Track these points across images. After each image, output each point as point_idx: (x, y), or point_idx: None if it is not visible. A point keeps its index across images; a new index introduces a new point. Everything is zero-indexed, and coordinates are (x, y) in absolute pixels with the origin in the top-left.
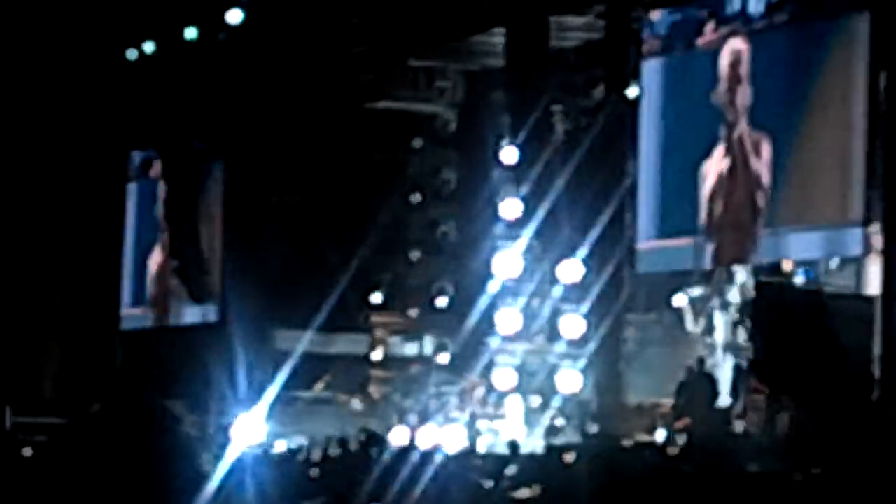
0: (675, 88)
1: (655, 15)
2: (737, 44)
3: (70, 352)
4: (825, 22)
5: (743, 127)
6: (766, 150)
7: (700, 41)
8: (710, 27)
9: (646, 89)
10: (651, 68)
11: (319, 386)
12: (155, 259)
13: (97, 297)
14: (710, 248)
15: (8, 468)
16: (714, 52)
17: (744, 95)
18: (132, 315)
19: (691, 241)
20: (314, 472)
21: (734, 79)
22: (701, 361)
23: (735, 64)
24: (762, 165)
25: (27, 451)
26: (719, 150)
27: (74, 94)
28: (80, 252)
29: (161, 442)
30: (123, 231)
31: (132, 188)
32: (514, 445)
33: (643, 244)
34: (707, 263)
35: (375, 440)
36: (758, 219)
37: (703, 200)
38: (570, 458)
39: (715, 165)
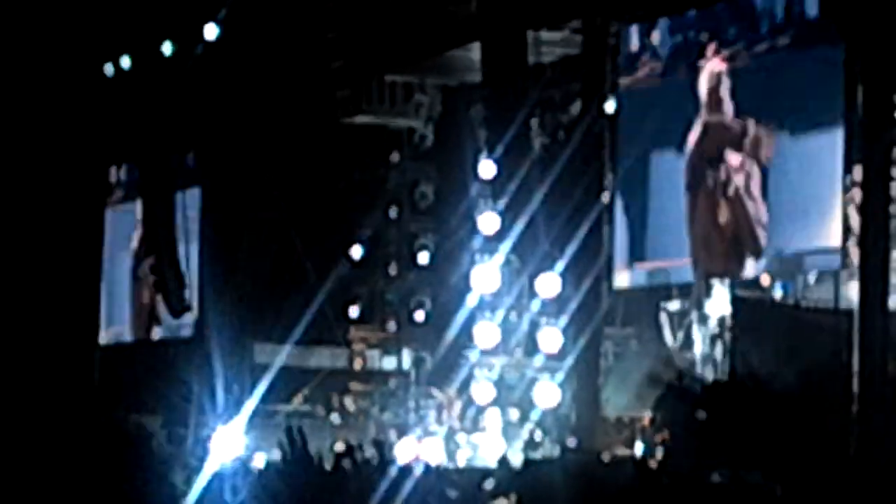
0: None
1: (656, 38)
2: (715, 66)
3: (48, 370)
4: (830, 47)
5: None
6: (756, 175)
7: (702, 63)
8: (711, 49)
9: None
10: (651, 91)
11: (298, 399)
12: (131, 274)
13: (75, 312)
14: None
15: None
16: (718, 75)
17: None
18: (110, 330)
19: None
20: (292, 484)
21: (716, 102)
22: (680, 375)
23: (715, 88)
24: (750, 189)
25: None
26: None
27: (50, 109)
28: (58, 268)
29: (133, 459)
30: (102, 247)
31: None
32: (502, 460)
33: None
34: (692, 277)
35: (351, 452)
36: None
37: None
38: (547, 470)
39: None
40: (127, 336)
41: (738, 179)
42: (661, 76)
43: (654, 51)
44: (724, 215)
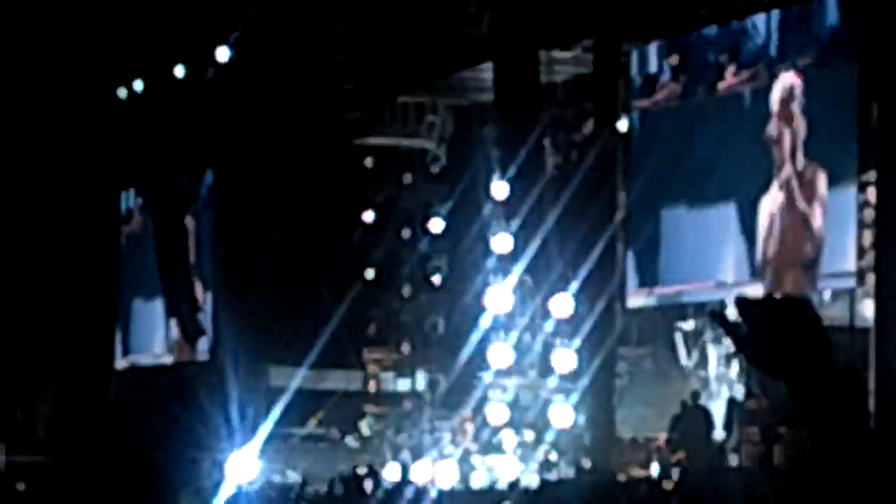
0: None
1: (674, 60)
2: (788, 79)
3: (64, 392)
4: (850, 64)
5: (796, 164)
6: (822, 185)
7: (721, 85)
8: (730, 71)
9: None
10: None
11: (313, 422)
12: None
13: (92, 337)
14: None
15: None
16: (738, 96)
17: (797, 131)
18: (141, 353)
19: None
20: None
21: (786, 115)
22: (695, 395)
23: (787, 100)
24: (814, 205)
25: (21, 486)
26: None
27: (65, 133)
28: (75, 293)
29: (143, 481)
30: (117, 271)
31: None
32: (513, 484)
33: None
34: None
35: (370, 476)
36: (809, 261)
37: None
38: (563, 491)
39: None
40: (143, 360)
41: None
42: (680, 98)
43: (672, 72)
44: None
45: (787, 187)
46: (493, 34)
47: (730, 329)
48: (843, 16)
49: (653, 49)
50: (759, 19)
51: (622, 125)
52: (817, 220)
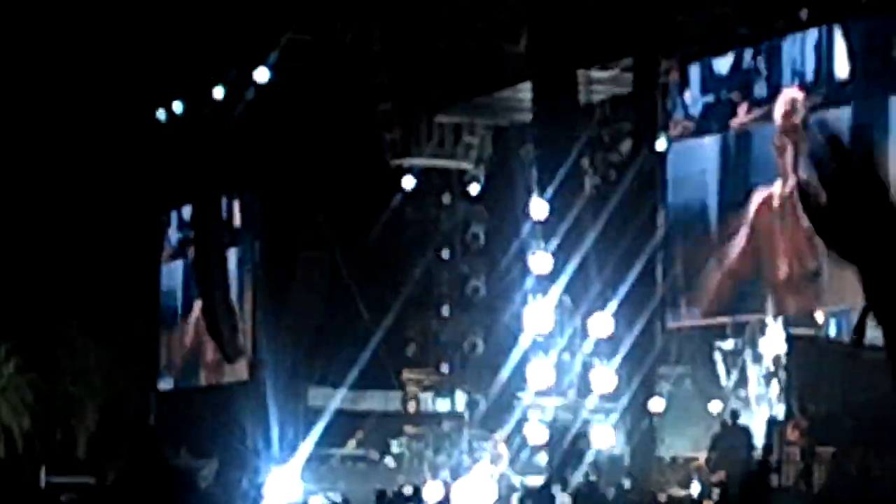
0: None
1: (688, 97)
2: (791, 93)
3: (105, 412)
4: (865, 101)
5: (801, 175)
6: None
7: (734, 122)
8: (743, 109)
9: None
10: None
11: (352, 443)
12: (189, 320)
13: (133, 357)
14: (772, 305)
15: None
16: (747, 134)
17: (799, 141)
18: (166, 374)
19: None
20: None
21: (788, 127)
22: (734, 414)
23: (789, 112)
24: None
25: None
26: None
27: (105, 155)
28: (116, 312)
29: (181, 499)
30: (158, 292)
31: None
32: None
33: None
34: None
35: (414, 496)
36: (819, 277)
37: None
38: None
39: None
40: (182, 380)
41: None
42: (693, 134)
43: (686, 110)
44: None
45: (790, 200)
46: (531, 54)
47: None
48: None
49: (671, 84)
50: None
51: (660, 144)
52: None
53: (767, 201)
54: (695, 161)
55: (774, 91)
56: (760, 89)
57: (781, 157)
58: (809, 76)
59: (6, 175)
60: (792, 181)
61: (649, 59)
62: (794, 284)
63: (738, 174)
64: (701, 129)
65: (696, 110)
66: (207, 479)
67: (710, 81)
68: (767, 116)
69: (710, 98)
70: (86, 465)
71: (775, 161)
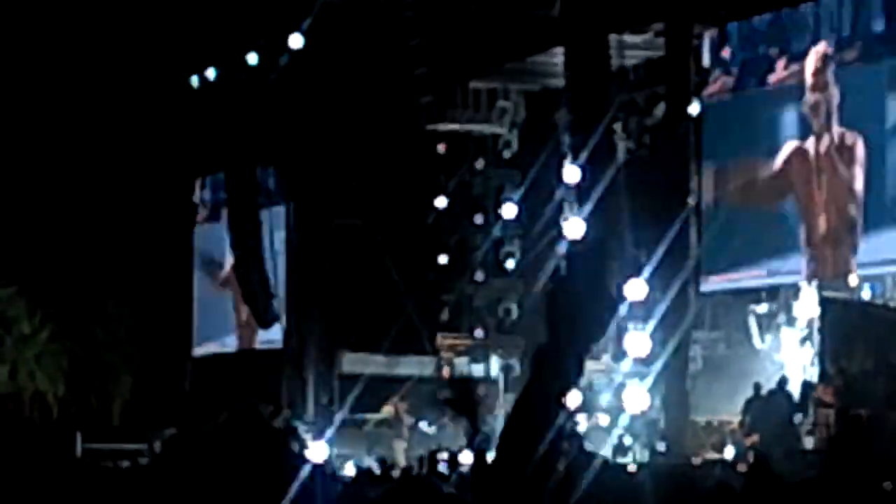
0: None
1: (726, 53)
2: (821, 48)
3: (140, 379)
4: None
5: (833, 132)
6: (860, 150)
7: (772, 79)
8: (780, 65)
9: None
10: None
11: (387, 408)
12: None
13: (168, 324)
14: (807, 265)
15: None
16: (787, 88)
17: (832, 98)
18: (210, 342)
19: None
20: (384, 493)
21: (821, 84)
22: (769, 378)
23: (821, 69)
24: (855, 169)
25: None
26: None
27: (139, 123)
28: (151, 280)
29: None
30: (191, 259)
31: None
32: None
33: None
34: (804, 278)
35: (446, 460)
36: (855, 228)
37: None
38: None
39: (801, 183)
40: (229, 347)
41: (838, 181)
42: (732, 91)
43: (725, 66)
44: (824, 221)
45: (827, 155)
46: (564, 18)
47: None
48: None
49: (706, 42)
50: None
51: (694, 109)
52: (859, 184)
53: (800, 154)
54: (729, 119)
55: (811, 46)
56: (799, 44)
57: (815, 115)
58: (846, 30)
59: (41, 144)
60: (826, 139)
61: (682, 23)
62: (833, 240)
63: (770, 130)
64: (739, 85)
65: (734, 66)
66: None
67: (748, 37)
68: (803, 72)
69: (748, 54)
70: (122, 431)
71: (809, 118)
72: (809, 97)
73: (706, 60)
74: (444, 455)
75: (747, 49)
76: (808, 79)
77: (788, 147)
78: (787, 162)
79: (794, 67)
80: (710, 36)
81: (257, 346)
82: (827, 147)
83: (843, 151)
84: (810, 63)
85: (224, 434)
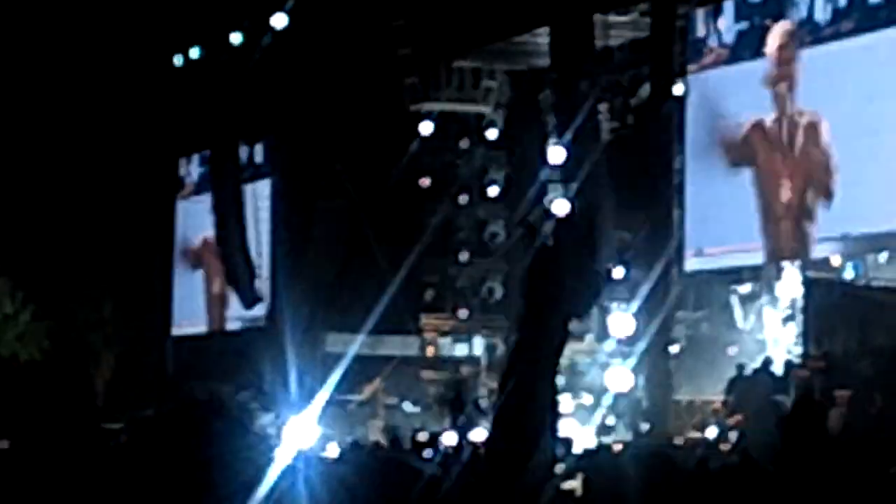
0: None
1: (721, 24)
2: (785, 25)
3: (123, 360)
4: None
5: (796, 108)
6: (825, 129)
7: (767, 50)
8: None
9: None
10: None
11: (370, 388)
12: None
13: (148, 304)
14: (766, 245)
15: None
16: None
17: (795, 74)
18: (184, 321)
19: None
20: (363, 473)
21: (784, 59)
22: (752, 358)
23: (784, 45)
24: (820, 148)
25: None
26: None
27: (121, 101)
28: (131, 260)
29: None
30: (173, 238)
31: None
32: (567, 443)
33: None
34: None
35: (429, 441)
36: (817, 206)
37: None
38: (619, 450)
39: (765, 158)
40: (201, 327)
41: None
42: (727, 63)
43: (720, 37)
44: (786, 192)
45: (788, 131)
46: None
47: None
48: None
49: (700, 14)
50: None
51: (678, 89)
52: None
53: (759, 128)
54: (711, 95)
55: (809, 15)
56: (794, 14)
57: (774, 89)
58: (843, 1)
59: (21, 122)
60: (788, 116)
61: (666, 3)
62: (799, 214)
63: (737, 104)
64: (734, 57)
65: (729, 37)
66: (226, 426)
67: (743, 8)
68: (798, 40)
69: (743, 25)
70: (105, 413)
71: (771, 92)
72: (771, 70)
73: (700, 31)
74: (425, 435)
75: (743, 20)
76: (772, 52)
77: (749, 121)
78: (746, 136)
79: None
80: (706, 9)
81: (229, 326)
82: (788, 124)
83: (807, 129)
84: (773, 38)
85: (171, 421)
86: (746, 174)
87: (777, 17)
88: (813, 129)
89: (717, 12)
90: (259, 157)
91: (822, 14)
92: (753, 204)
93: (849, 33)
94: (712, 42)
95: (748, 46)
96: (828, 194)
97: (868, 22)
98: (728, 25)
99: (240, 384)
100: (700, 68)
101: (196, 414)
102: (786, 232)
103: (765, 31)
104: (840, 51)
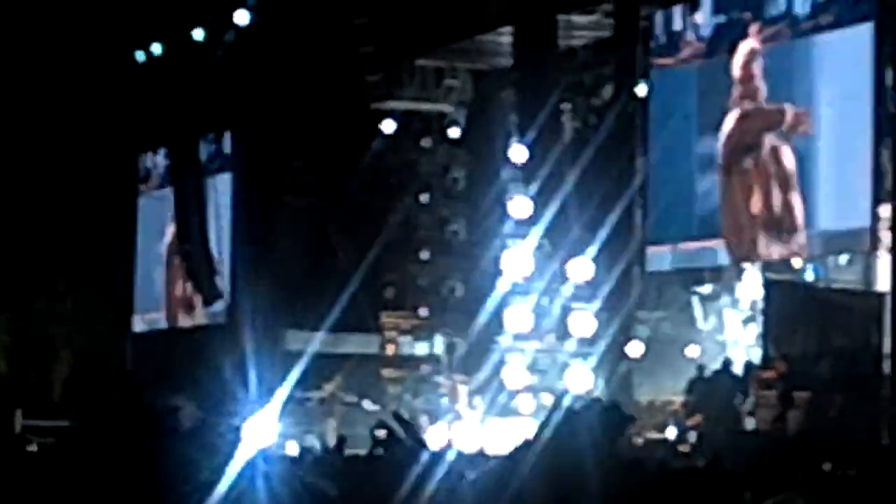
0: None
1: (699, 17)
2: (750, 44)
3: (81, 355)
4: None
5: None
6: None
7: (743, 44)
8: (754, 29)
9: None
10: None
11: (330, 386)
12: (165, 262)
13: (108, 301)
14: (728, 245)
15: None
16: (752, 52)
17: (759, 93)
18: (143, 318)
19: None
20: (325, 472)
21: (748, 77)
22: (713, 359)
23: (748, 63)
24: (786, 158)
25: (33, 448)
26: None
27: (83, 97)
28: (91, 256)
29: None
30: (135, 234)
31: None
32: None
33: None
34: (723, 261)
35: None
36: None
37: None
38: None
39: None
40: (161, 323)
41: (773, 164)
42: (703, 57)
43: (697, 30)
44: (757, 203)
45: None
46: None
47: None
48: None
49: (678, 7)
50: None
51: (641, 90)
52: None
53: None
54: (678, 91)
55: (787, 9)
56: (773, 8)
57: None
58: None
59: None
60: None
61: (630, 4)
62: (765, 216)
63: (714, 100)
64: (711, 51)
65: (707, 31)
66: (189, 420)
67: (721, 1)
68: (775, 37)
69: (721, 18)
70: (62, 408)
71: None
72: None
73: (677, 25)
74: (382, 433)
75: (720, 13)
76: (736, 73)
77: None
78: (716, 137)
79: (768, 32)
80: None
81: (190, 322)
82: (755, 126)
83: (776, 137)
84: (739, 56)
85: (103, 425)
86: (713, 173)
87: (756, 11)
88: (781, 137)
89: (694, 6)
90: (223, 152)
91: (801, 8)
92: (717, 204)
93: (828, 27)
94: (689, 35)
95: (727, 40)
96: (793, 198)
97: (848, 15)
98: (706, 18)
99: (197, 391)
100: (677, 62)
101: (148, 426)
102: (749, 232)
103: (743, 24)
104: (820, 43)
